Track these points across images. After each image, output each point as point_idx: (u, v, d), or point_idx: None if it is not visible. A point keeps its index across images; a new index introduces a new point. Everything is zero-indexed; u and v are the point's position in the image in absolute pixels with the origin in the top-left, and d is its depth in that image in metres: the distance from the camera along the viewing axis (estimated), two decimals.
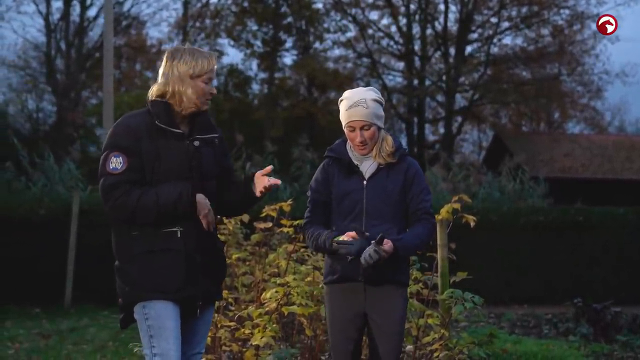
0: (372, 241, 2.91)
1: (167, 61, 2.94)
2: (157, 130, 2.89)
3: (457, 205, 4.47)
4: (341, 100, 3.19)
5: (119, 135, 2.87)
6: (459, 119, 24.52)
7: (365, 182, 3.12)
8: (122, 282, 2.90)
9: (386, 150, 3.12)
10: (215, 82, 3.02)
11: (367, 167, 3.14)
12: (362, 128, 3.10)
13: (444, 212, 4.47)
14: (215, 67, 2.98)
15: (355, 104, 3.11)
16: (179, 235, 2.86)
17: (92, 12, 24.55)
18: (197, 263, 2.90)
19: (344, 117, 3.15)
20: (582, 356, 6.23)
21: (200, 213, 2.87)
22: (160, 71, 2.97)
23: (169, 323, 2.79)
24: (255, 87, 26.24)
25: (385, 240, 2.92)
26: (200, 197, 2.87)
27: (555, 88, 24.03)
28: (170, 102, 2.93)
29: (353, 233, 2.95)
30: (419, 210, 3.11)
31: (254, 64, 25.42)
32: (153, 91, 2.95)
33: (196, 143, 2.94)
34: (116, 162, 2.82)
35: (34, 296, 9.10)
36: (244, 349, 4.36)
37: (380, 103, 3.16)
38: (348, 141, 3.20)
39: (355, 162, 3.16)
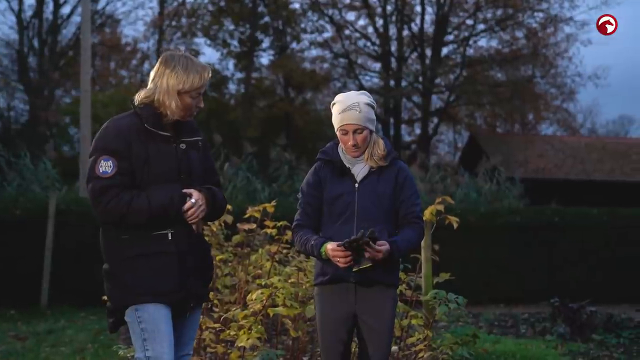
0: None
1: (159, 67, 2.92)
2: (146, 133, 2.89)
3: (441, 207, 4.52)
4: (334, 104, 3.22)
5: (109, 138, 2.86)
6: (435, 120, 24.69)
7: (357, 185, 3.15)
8: (113, 286, 2.88)
9: (378, 153, 3.16)
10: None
11: (359, 170, 3.17)
12: (354, 132, 3.13)
13: (427, 214, 4.52)
14: (207, 80, 2.95)
15: (348, 107, 3.15)
16: (170, 238, 2.86)
17: (65, 10, 24.32)
18: (189, 265, 2.90)
19: (336, 121, 3.18)
20: (560, 355, 6.32)
21: (190, 215, 2.87)
22: (152, 75, 2.95)
23: (163, 326, 2.79)
24: (232, 86, 26.16)
25: (382, 242, 2.95)
26: (197, 195, 2.87)
27: (529, 90, 24.32)
28: (157, 107, 2.93)
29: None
30: (409, 214, 3.14)
31: (231, 63, 25.36)
32: (140, 95, 2.94)
33: (182, 146, 2.95)
34: (106, 166, 2.80)
35: (9, 297, 8.96)
36: (229, 351, 4.35)
37: (373, 107, 3.21)
38: (340, 144, 3.22)
39: (347, 165, 3.18)
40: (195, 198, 2.87)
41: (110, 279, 2.89)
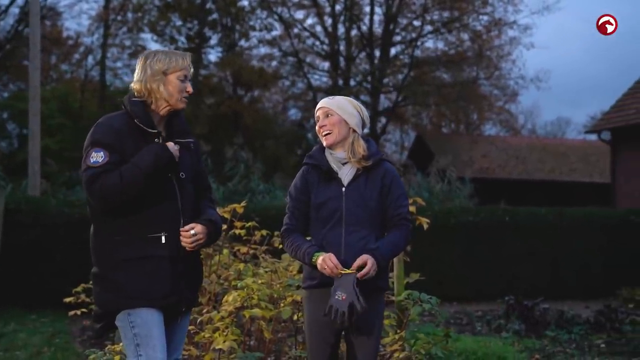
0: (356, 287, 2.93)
1: (141, 62, 2.92)
2: (138, 131, 2.85)
3: (413, 208, 4.56)
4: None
5: (102, 133, 2.82)
6: (383, 119, 24.94)
7: (344, 189, 3.11)
8: (103, 289, 2.80)
9: (359, 152, 3.12)
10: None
11: (346, 173, 3.13)
12: (326, 116, 3.17)
13: None
14: (191, 67, 2.97)
15: (324, 98, 3.27)
16: (163, 241, 2.80)
17: (3, 1, 23.46)
18: (181, 269, 2.86)
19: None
20: (517, 352, 6.48)
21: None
22: (136, 72, 2.93)
23: (156, 331, 2.74)
24: None
25: (359, 260, 2.97)
26: (199, 229, 2.85)
27: (474, 91, 24.84)
28: (147, 102, 2.89)
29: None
30: (396, 216, 3.12)
31: None
32: (132, 90, 2.92)
33: (177, 147, 2.91)
34: (97, 156, 2.76)
35: None
36: (203, 353, 4.30)
37: (355, 107, 3.20)
38: (326, 148, 3.19)
39: (335, 169, 3.14)
40: (196, 231, 2.84)
41: (101, 282, 2.81)
